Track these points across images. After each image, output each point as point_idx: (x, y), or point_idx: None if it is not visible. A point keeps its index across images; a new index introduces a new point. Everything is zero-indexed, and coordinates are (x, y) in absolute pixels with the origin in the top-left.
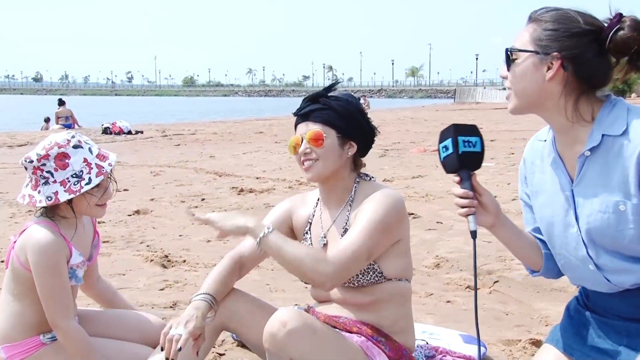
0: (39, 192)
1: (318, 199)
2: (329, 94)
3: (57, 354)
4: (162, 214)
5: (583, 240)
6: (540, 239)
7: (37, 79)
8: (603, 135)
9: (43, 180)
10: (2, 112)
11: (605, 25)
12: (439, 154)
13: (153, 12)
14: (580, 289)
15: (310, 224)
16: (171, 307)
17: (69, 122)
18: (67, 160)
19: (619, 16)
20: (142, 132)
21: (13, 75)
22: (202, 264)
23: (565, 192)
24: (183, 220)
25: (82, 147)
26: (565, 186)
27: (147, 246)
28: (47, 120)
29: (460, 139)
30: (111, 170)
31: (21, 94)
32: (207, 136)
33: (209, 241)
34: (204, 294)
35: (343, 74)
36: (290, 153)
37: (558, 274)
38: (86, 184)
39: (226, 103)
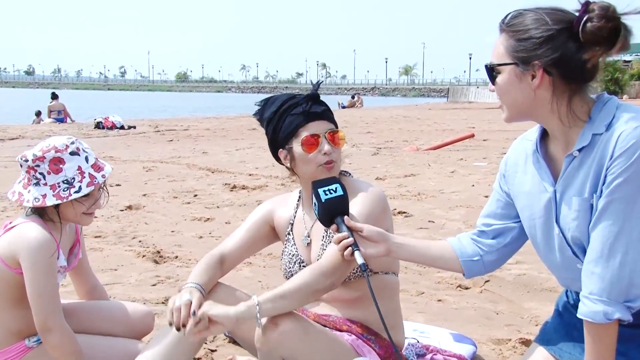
0: (29, 191)
1: (299, 200)
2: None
3: (44, 356)
4: (154, 210)
5: (567, 241)
6: (478, 236)
7: (29, 72)
8: (593, 134)
9: (35, 181)
10: None
11: (576, 16)
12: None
13: (147, 6)
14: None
15: (292, 224)
16: (163, 302)
17: (61, 117)
18: (61, 166)
19: (586, 5)
20: (134, 127)
21: (5, 68)
22: (194, 260)
23: (547, 194)
24: (175, 216)
25: (79, 155)
26: (549, 187)
27: (139, 242)
28: (38, 114)
29: (321, 190)
30: (104, 182)
31: (13, 87)
32: (199, 132)
33: (201, 237)
34: (192, 283)
35: (337, 71)
36: (305, 152)
37: (485, 271)
38: (75, 192)
39: (219, 99)
